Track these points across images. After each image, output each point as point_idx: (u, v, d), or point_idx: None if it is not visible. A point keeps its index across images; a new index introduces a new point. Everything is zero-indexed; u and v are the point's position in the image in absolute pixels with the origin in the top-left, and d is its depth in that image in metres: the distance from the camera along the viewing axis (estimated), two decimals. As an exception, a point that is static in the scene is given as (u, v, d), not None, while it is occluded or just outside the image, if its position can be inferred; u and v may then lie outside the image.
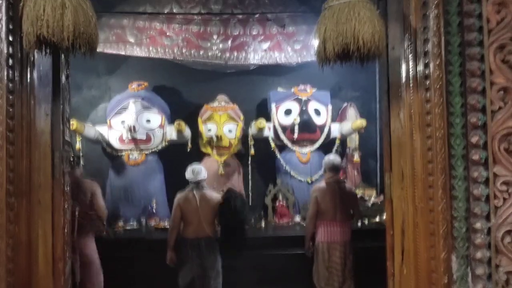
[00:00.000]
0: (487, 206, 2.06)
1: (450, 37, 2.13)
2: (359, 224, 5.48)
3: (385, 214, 2.83)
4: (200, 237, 4.23)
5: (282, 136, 6.28)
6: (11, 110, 2.15)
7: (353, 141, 6.65)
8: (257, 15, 6.27)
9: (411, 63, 2.32)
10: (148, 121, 6.03)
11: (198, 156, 6.04)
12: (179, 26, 6.20)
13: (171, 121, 6.16)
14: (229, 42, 6.31)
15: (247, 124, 6.32)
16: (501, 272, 2.03)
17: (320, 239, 4.38)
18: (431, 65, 2.15)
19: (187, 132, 6.08)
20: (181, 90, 6.77)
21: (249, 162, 6.28)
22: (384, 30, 2.19)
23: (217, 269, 4.31)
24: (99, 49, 5.61)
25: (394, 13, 2.44)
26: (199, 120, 6.16)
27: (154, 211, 5.92)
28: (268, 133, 6.33)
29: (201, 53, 6.26)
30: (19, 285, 2.18)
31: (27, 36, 2.05)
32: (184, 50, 6.24)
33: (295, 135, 6.14)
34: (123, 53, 6.18)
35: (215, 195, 4.43)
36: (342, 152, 6.56)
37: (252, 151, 6.18)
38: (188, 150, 6.05)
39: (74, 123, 5.43)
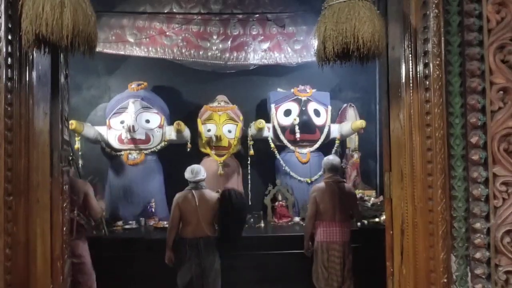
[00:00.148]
0: (486, 206, 2.06)
1: (450, 37, 2.13)
2: (359, 224, 5.47)
3: (384, 214, 2.83)
4: (199, 237, 4.22)
5: (282, 137, 6.27)
6: (9, 109, 2.15)
7: (353, 141, 6.65)
8: (257, 15, 6.26)
9: (411, 63, 2.32)
10: (148, 121, 6.02)
11: (197, 156, 6.04)
12: (179, 26, 6.19)
13: (171, 121, 6.15)
14: (229, 42, 6.30)
15: (246, 124, 6.31)
16: (500, 272, 2.03)
17: (319, 239, 4.38)
18: (431, 65, 2.15)
19: (187, 132, 6.07)
20: (180, 90, 6.76)
21: (249, 163, 6.26)
22: (384, 30, 2.18)
23: (216, 269, 4.30)
24: (98, 49, 5.68)
25: (394, 12, 2.44)
26: (199, 120, 6.15)
27: (153, 211, 5.91)
28: (268, 133, 6.31)
29: (200, 53, 6.25)
30: (17, 284, 2.18)
31: (26, 34, 2.04)
32: (183, 50, 6.23)
33: (297, 135, 6.13)
34: (122, 53, 6.17)
35: (214, 195, 4.43)
36: (342, 153, 6.56)
37: (251, 152, 6.16)
38: (188, 150, 6.04)
39: (73, 123, 5.42)
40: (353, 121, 6.42)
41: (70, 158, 3.17)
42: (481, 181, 2.06)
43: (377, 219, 5.62)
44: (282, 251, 5.04)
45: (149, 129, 6.03)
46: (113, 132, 6.02)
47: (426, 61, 2.18)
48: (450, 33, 2.13)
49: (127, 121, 5.87)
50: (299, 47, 6.42)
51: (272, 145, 6.34)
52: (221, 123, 6.09)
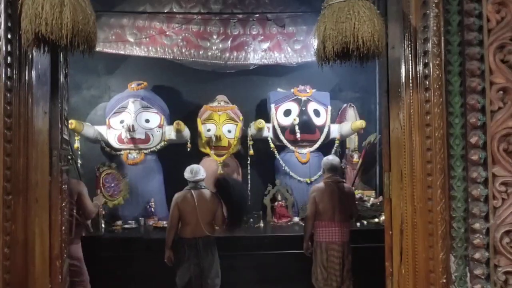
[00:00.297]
0: (486, 206, 2.06)
1: (450, 36, 2.13)
2: (358, 224, 5.48)
3: (384, 214, 2.82)
4: (198, 236, 4.22)
5: (282, 137, 6.28)
6: (8, 108, 2.14)
7: (353, 142, 6.65)
8: (257, 15, 6.26)
9: (410, 63, 2.31)
10: (147, 120, 6.02)
11: (197, 156, 6.04)
12: (179, 26, 6.19)
13: (170, 121, 6.15)
14: (229, 42, 6.30)
15: (246, 124, 6.31)
16: (499, 273, 2.03)
17: (318, 239, 4.38)
18: (431, 65, 2.15)
19: (186, 132, 6.07)
20: (180, 89, 6.76)
21: (248, 163, 6.26)
22: (384, 29, 2.18)
23: (215, 269, 4.30)
24: (98, 49, 5.68)
25: (394, 12, 2.44)
26: (198, 120, 6.15)
27: (152, 210, 5.91)
28: (267, 133, 6.32)
29: (200, 52, 6.25)
30: (15, 283, 2.17)
31: (25, 33, 2.04)
32: (183, 50, 6.23)
33: (298, 135, 6.13)
34: (122, 52, 6.17)
35: (213, 195, 4.42)
36: (342, 153, 6.56)
37: (251, 152, 6.16)
38: (187, 150, 6.04)
39: (73, 122, 5.43)
40: (353, 121, 6.42)
41: (70, 157, 3.17)
42: (481, 181, 2.06)
43: (376, 220, 5.62)
44: (282, 251, 5.04)
45: (148, 129, 6.03)
46: (113, 131, 6.02)
47: (426, 60, 2.17)
48: (450, 33, 2.12)
49: (127, 121, 5.87)
50: (299, 47, 6.42)
51: (272, 145, 6.35)
52: (221, 123, 6.09)
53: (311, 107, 6.28)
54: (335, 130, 6.44)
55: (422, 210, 2.24)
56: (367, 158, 6.33)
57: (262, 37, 6.36)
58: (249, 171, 6.31)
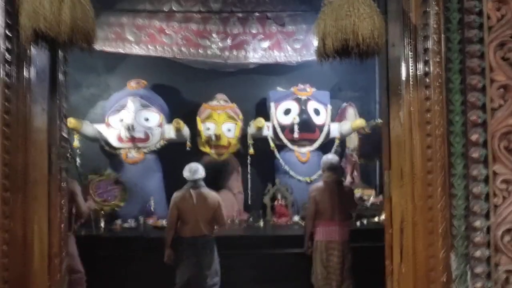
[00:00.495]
0: (486, 204, 2.05)
1: (450, 34, 2.12)
2: (358, 223, 5.47)
3: (384, 213, 2.81)
4: (197, 236, 4.22)
5: (281, 136, 6.27)
6: (7, 105, 2.14)
7: (352, 141, 6.64)
8: (256, 14, 6.25)
9: (411, 61, 2.30)
10: (147, 119, 6.02)
11: (196, 155, 6.03)
12: (179, 24, 6.17)
13: (170, 119, 6.14)
14: (229, 40, 6.29)
15: (246, 123, 6.31)
16: (500, 271, 2.02)
17: (318, 238, 4.37)
18: (431, 63, 2.14)
19: (186, 131, 6.06)
20: (180, 88, 6.76)
21: (248, 162, 6.26)
22: (384, 27, 2.17)
23: (214, 268, 4.30)
24: (98, 47, 5.67)
25: (394, 10, 2.43)
26: (198, 119, 6.14)
27: (152, 209, 5.90)
28: (267, 132, 6.32)
29: (200, 51, 6.23)
30: (14, 281, 2.17)
31: (24, 30, 2.03)
32: (183, 49, 6.21)
33: (296, 135, 6.12)
34: (122, 51, 6.15)
35: (213, 194, 4.41)
36: (341, 152, 6.55)
37: (251, 151, 6.16)
38: (187, 149, 6.03)
39: (72, 121, 5.42)
40: (352, 120, 6.41)
41: (69, 155, 3.15)
42: (481, 179, 2.05)
43: (376, 219, 5.61)
44: (281, 250, 5.03)
45: (148, 128, 6.02)
46: (112, 130, 6.01)
47: (426, 58, 2.17)
48: (450, 30, 2.11)
49: (126, 120, 5.86)
50: (299, 46, 6.41)
51: (272, 144, 6.34)
52: (220, 122, 6.09)
53: (311, 106, 6.28)
54: (335, 129, 6.43)
55: (422, 208, 2.23)
56: (363, 150, 6.31)
57: (262, 36, 6.35)
58: (249, 170, 6.31)
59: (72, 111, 5.37)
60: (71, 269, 4.06)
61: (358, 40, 2.04)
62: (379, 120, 6.07)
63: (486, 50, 2.06)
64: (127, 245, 5.04)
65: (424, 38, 2.19)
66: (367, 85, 6.71)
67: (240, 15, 6.27)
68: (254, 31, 6.33)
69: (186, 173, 4.36)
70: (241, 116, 6.28)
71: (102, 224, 5.36)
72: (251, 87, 6.76)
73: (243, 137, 6.27)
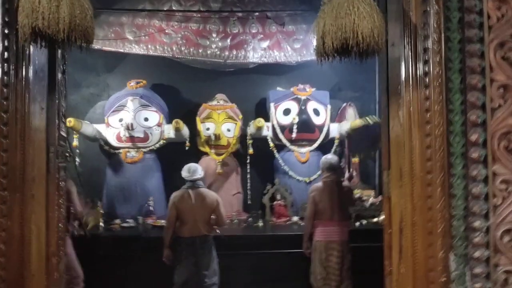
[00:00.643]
0: (486, 204, 2.04)
1: (450, 33, 2.11)
2: (357, 224, 5.46)
3: (383, 214, 2.81)
4: (195, 236, 4.21)
5: (281, 136, 6.26)
6: (5, 103, 2.14)
7: (352, 141, 6.63)
8: (256, 13, 6.24)
9: (410, 60, 2.29)
10: (146, 119, 6.01)
11: (196, 155, 6.03)
12: (178, 24, 6.17)
13: (169, 119, 6.14)
14: (229, 40, 6.28)
15: (245, 123, 6.30)
16: (499, 272, 2.01)
17: (317, 238, 4.36)
18: (431, 62, 2.14)
19: (185, 130, 6.05)
20: (179, 88, 6.75)
21: (248, 162, 6.25)
22: (384, 26, 2.16)
23: (213, 268, 4.29)
24: (97, 46, 5.67)
25: (394, 9, 2.42)
26: (198, 119, 6.14)
27: (151, 209, 5.89)
28: (267, 132, 6.30)
29: (200, 51, 6.23)
30: (11, 280, 2.16)
31: (22, 28, 2.02)
32: (183, 48, 6.21)
33: (293, 135, 6.12)
34: (121, 50, 6.14)
35: (211, 194, 4.40)
36: (341, 152, 6.54)
37: (250, 151, 6.15)
38: (186, 148, 6.03)
39: (71, 120, 5.41)
40: (352, 120, 6.40)
41: (67, 154, 3.15)
42: (481, 179, 2.04)
43: (375, 219, 5.60)
44: (281, 251, 5.02)
45: (147, 127, 6.01)
46: (112, 130, 6.00)
47: (426, 58, 2.16)
48: (451, 30, 2.11)
49: (126, 119, 5.86)
50: (298, 45, 6.40)
51: (271, 144, 6.33)
52: (220, 121, 6.08)
53: (311, 106, 6.27)
54: (335, 130, 6.42)
55: (421, 208, 2.22)
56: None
57: (262, 36, 6.34)
58: (248, 170, 6.30)
59: (72, 111, 5.37)
60: (68, 269, 4.07)
61: (358, 39, 2.03)
62: (372, 117, 6.09)
63: (486, 50, 2.05)
64: (126, 245, 5.03)
65: (424, 38, 2.18)
66: (367, 85, 6.69)
67: (240, 14, 6.26)
68: (254, 31, 6.33)
69: (184, 173, 4.35)
70: (240, 116, 6.27)
71: (101, 223, 5.34)
72: (250, 87, 6.75)
73: (242, 137, 6.26)
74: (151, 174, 6.16)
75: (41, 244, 2.40)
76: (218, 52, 6.25)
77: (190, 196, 4.25)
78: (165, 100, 6.31)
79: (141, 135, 5.99)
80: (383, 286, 2.67)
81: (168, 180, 6.06)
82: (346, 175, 6.27)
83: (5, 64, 2.16)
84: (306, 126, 6.17)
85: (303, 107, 6.20)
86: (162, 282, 4.40)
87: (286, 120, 6.23)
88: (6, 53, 2.16)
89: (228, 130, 6.13)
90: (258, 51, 6.33)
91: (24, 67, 2.29)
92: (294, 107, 6.25)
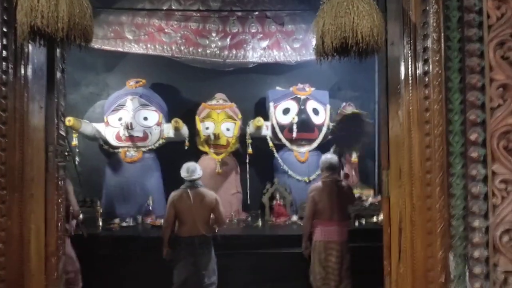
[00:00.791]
0: (485, 204, 2.04)
1: (449, 32, 2.11)
2: (357, 224, 5.47)
3: (382, 213, 2.80)
4: (194, 235, 4.20)
5: (280, 135, 6.26)
6: (4, 102, 2.13)
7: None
8: (256, 13, 6.23)
9: (410, 59, 2.29)
10: (146, 118, 6.01)
11: (195, 154, 6.02)
12: (178, 23, 6.16)
13: (169, 118, 6.13)
14: (228, 39, 6.28)
15: (245, 122, 6.30)
16: (498, 272, 2.01)
17: (317, 238, 4.35)
18: (430, 61, 2.13)
19: (185, 130, 6.05)
20: (179, 87, 6.75)
21: (247, 161, 6.24)
22: (383, 25, 2.16)
23: (212, 268, 4.28)
24: (97, 46, 5.67)
25: (393, 8, 2.41)
26: (197, 118, 6.13)
27: (150, 208, 5.89)
28: (266, 132, 6.30)
29: (199, 50, 6.23)
30: (11, 280, 2.16)
31: (21, 26, 2.02)
32: (182, 48, 6.21)
33: (294, 134, 6.11)
34: (121, 49, 6.14)
35: (210, 193, 4.40)
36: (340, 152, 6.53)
37: (250, 150, 6.14)
38: (186, 148, 6.02)
39: (71, 120, 5.41)
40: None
41: (66, 153, 3.14)
42: (480, 179, 2.04)
43: (375, 219, 5.60)
44: (280, 250, 5.02)
45: (147, 127, 6.01)
46: (111, 129, 6.00)
47: (426, 57, 2.16)
48: (450, 29, 2.10)
49: (125, 119, 5.85)
50: (298, 45, 6.40)
51: (271, 143, 6.33)
52: (219, 121, 6.08)
53: (310, 105, 6.26)
54: (334, 129, 6.42)
55: (420, 208, 2.22)
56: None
57: (261, 35, 6.34)
58: (247, 170, 6.29)
59: (71, 110, 5.37)
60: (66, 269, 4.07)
61: (357, 38, 2.03)
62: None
63: (486, 49, 2.04)
64: (126, 244, 5.03)
65: (424, 37, 2.18)
66: (367, 85, 6.70)
67: (239, 14, 6.25)
68: (253, 31, 6.32)
69: (183, 173, 4.34)
70: (240, 115, 6.26)
71: (100, 223, 5.34)
72: (250, 87, 6.75)
73: (242, 137, 6.26)
74: (150, 173, 6.16)
75: (40, 244, 2.40)
76: (218, 52, 6.25)
77: (189, 195, 4.25)
78: (165, 100, 6.31)
79: (141, 135, 5.98)
80: (382, 286, 2.67)
81: (167, 179, 6.06)
82: (342, 173, 6.27)
83: (4, 63, 2.16)
84: (305, 126, 6.17)
85: (302, 107, 6.19)
86: (162, 282, 4.39)
87: (285, 120, 6.23)
88: (4, 52, 2.16)
89: (228, 130, 6.13)
90: (257, 51, 6.33)
91: (23, 65, 2.28)
92: (293, 106, 6.24)
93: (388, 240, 2.55)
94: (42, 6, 1.97)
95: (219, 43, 6.27)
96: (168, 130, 6.12)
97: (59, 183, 2.66)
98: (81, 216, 4.47)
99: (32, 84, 2.35)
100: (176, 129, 5.92)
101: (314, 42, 2.26)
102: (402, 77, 2.34)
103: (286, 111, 6.26)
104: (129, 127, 5.81)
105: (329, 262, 4.30)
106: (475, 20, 2.05)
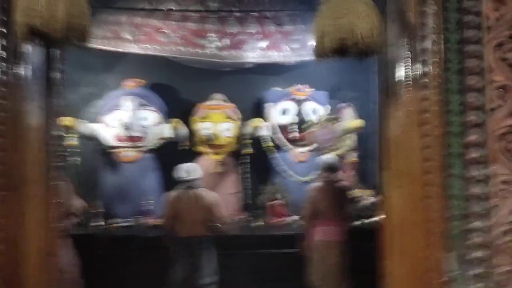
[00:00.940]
0: (485, 204, 2.04)
1: (448, 34, 2.11)
2: (356, 224, 5.46)
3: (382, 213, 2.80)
4: (192, 236, 4.20)
5: (279, 136, 6.26)
6: (2, 102, 2.13)
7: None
8: (255, 13, 6.23)
9: (408, 61, 2.29)
10: (144, 118, 6.01)
11: (194, 154, 6.01)
12: (176, 23, 6.15)
13: (167, 119, 6.12)
14: (227, 40, 6.26)
15: (243, 123, 6.29)
16: (499, 272, 2.01)
17: (316, 238, 4.36)
18: (429, 63, 2.13)
19: (183, 130, 6.05)
20: (177, 87, 6.73)
21: (246, 161, 6.24)
22: (382, 26, 2.16)
23: (211, 267, 4.29)
24: (95, 46, 5.65)
25: (392, 9, 2.42)
26: (194, 119, 6.13)
27: (148, 208, 5.88)
28: (265, 132, 6.30)
29: (198, 50, 6.21)
30: (9, 280, 2.15)
31: (20, 27, 2.01)
32: (181, 48, 6.19)
33: (294, 134, 6.11)
34: (119, 50, 6.12)
35: (209, 193, 4.40)
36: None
37: (248, 150, 6.14)
38: (184, 148, 6.02)
39: (69, 120, 5.40)
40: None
41: (65, 154, 3.14)
42: (480, 180, 2.04)
43: (374, 219, 5.59)
44: (279, 250, 5.02)
45: (145, 127, 6.00)
46: (109, 129, 5.99)
47: (425, 58, 2.16)
48: (449, 30, 2.10)
49: (123, 119, 5.85)
50: (297, 46, 6.38)
51: (270, 144, 6.32)
52: (217, 121, 6.09)
53: (309, 106, 6.26)
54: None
55: (420, 208, 2.22)
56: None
57: (260, 36, 6.33)
58: (246, 170, 6.29)
59: (69, 110, 5.35)
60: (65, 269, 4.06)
61: (356, 39, 2.03)
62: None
63: (485, 50, 2.05)
64: (124, 244, 5.02)
65: (422, 38, 2.18)
66: (366, 86, 6.67)
67: (238, 14, 6.24)
68: (252, 31, 6.30)
69: (182, 173, 4.33)
70: (238, 115, 6.26)
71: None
72: (248, 87, 6.74)
73: (240, 137, 6.25)
74: (148, 173, 6.15)
75: (40, 244, 2.40)
76: (216, 52, 6.24)
77: (187, 196, 4.25)
78: (163, 100, 6.30)
79: (139, 135, 5.98)
80: (382, 286, 2.67)
81: (165, 179, 6.05)
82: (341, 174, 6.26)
83: (2, 63, 2.15)
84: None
85: (301, 107, 6.19)
86: (161, 281, 4.39)
87: (284, 120, 6.23)
88: (4, 53, 2.15)
89: (226, 130, 6.13)
90: (256, 51, 6.30)
91: (22, 66, 2.28)
92: (292, 107, 6.24)
93: (387, 240, 2.56)
94: (41, 6, 1.96)
95: (218, 44, 6.25)
96: (167, 131, 6.11)
97: (58, 183, 2.65)
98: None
99: (31, 84, 2.35)
100: (175, 130, 5.93)
101: (313, 42, 2.26)
102: (401, 78, 2.34)
103: (284, 111, 6.26)
104: (127, 127, 5.81)
105: (329, 262, 4.30)
106: (474, 21, 2.06)
